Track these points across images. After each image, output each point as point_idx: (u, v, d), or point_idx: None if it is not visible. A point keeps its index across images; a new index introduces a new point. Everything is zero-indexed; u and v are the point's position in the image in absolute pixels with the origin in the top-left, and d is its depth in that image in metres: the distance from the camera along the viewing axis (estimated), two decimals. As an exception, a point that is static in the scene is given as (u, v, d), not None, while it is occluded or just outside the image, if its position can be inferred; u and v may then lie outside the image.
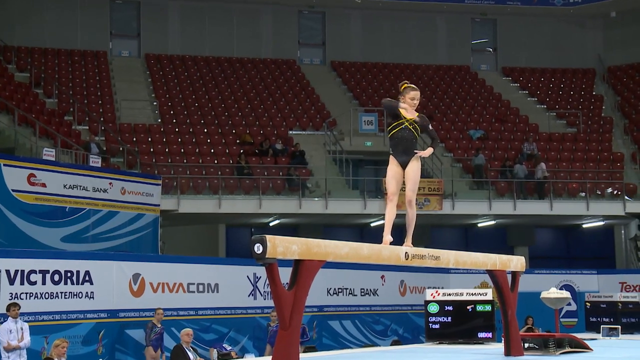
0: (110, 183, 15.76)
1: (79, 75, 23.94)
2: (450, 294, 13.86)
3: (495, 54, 29.70)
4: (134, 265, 13.10)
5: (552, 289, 14.11)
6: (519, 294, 7.55)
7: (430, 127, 6.55)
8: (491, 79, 28.28)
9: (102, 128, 20.53)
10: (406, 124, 6.41)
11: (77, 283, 12.18)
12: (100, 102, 22.66)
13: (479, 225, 22.36)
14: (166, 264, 13.85)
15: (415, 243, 6.73)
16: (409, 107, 6.50)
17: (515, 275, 7.63)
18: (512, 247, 22.38)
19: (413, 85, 6.60)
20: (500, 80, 28.53)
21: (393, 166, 6.47)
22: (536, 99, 27.39)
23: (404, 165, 6.50)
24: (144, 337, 12.82)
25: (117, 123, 21.63)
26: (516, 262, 7.62)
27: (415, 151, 6.38)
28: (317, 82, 26.41)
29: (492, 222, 21.77)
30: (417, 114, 6.50)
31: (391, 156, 6.53)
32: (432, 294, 13.92)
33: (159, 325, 12.78)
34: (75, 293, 12.16)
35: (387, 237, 6.31)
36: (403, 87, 6.60)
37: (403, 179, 6.48)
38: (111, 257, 13.15)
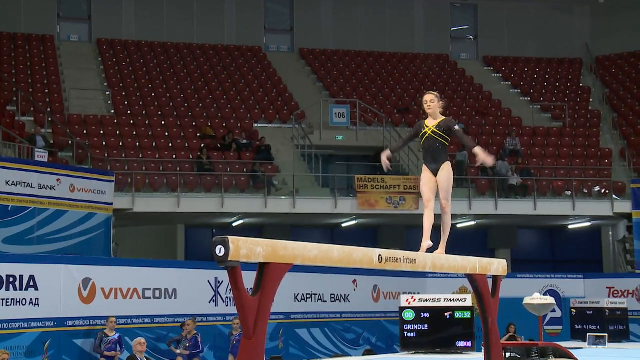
0: (58, 180, 15.60)
1: (23, 61, 23.64)
2: (426, 300, 13.94)
3: (476, 42, 29.92)
4: (83, 269, 12.99)
5: (535, 295, 14.28)
6: (501, 299, 7.60)
7: (457, 127, 6.86)
8: (472, 68, 28.48)
9: (49, 119, 20.31)
10: (429, 132, 6.86)
11: (21, 289, 12.04)
12: (47, 91, 22.40)
13: (458, 226, 22.49)
14: (119, 267, 13.76)
15: (389, 245, 6.83)
16: (431, 114, 6.90)
17: (496, 279, 7.70)
18: (493, 250, 22.57)
19: (429, 91, 7.05)
20: (482, 70, 28.74)
21: (426, 173, 7.03)
22: (519, 90, 27.65)
23: (435, 173, 7.03)
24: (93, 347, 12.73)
25: (65, 114, 21.41)
26: (497, 265, 7.68)
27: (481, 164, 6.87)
28: (284, 71, 26.38)
29: (472, 223, 21.93)
30: (442, 118, 6.88)
31: (424, 164, 7.07)
32: (407, 300, 13.99)
33: (111, 335, 12.69)
34: (18, 300, 12.02)
35: (425, 242, 6.89)
36: None
37: (436, 185, 7.05)
38: (59, 260, 13.03)
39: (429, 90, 7.20)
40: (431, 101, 6.92)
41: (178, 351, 13.48)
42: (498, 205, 20.35)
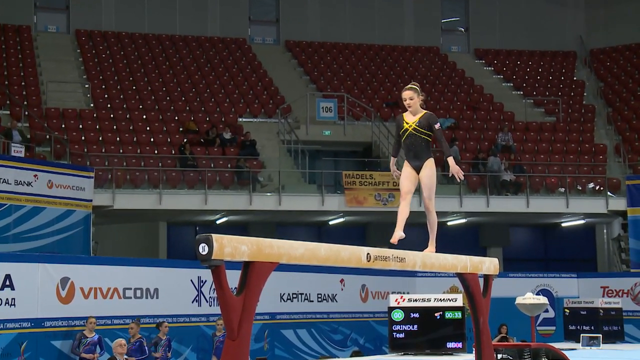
0: (35, 175, 15.54)
1: (-1, 52, 23.53)
2: (416, 300, 13.98)
3: (467, 34, 29.98)
4: (62, 268, 12.94)
5: (528, 294, 14.35)
6: (492, 299, 7.64)
7: (437, 126, 6.79)
8: (462, 61, 28.54)
9: (26, 113, 20.20)
10: (410, 130, 6.74)
11: (-3, 289, 11.99)
12: (23, 83, 22.28)
13: (449, 223, 22.57)
14: (99, 266, 13.72)
15: (378, 243, 6.82)
16: (411, 111, 6.85)
17: (487, 279, 7.72)
18: (485, 248, 22.65)
19: (407, 87, 6.94)
20: (473, 64, 28.81)
21: (407, 168, 7.06)
22: (512, 84, 27.73)
23: (417, 170, 7.07)
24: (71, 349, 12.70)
25: (42, 107, 21.31)
26: (489, 264, 7.70)
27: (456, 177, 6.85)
28: (270, 63, 26.35)
29: (463, 221, 21.99)
30: (423, 112, 6.80)
31: (405, 160, 7.08)
32: (396, 300, 14.02)
33: (90, 336, 12.66)
34: (-6, 300, 11.97)
35: (398, 232, 6.78)
36: None
37: (417, 180, 7.10)
38: (36, 259, 12.97)
39: (408, 85, 7.03)
40: (410, 98, 6.84)
41: (157, 355, 13.45)
42: (490, 202, 20.42)
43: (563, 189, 21.16)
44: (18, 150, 16.37)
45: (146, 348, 12.98)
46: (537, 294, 17.21)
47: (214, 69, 25.47)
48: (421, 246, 7.15)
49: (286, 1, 28.18)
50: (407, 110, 7.03)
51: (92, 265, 13.70)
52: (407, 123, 6.88)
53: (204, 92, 23.99)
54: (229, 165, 20.25)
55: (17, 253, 14.14)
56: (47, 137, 19.13)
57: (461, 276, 7.45)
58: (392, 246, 6.99)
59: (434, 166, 6.98)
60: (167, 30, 26.63)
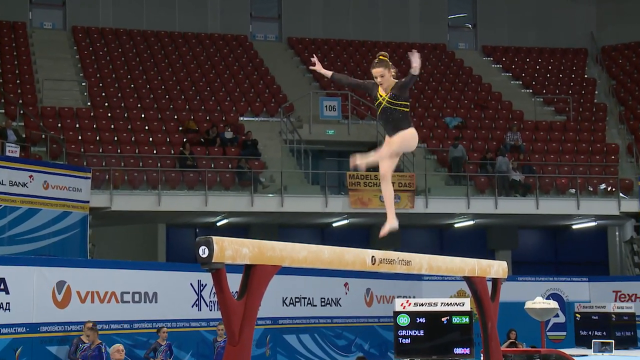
0: (30, 176, 15.55)
1: (-6, 50, 23.57)
2: (422, 304, 13.96)
3: (474, 30, 29.97)
4: (58, 272, 12.95)
5: (537, 299, 14.34)
6: (501, 304, 7.63)
7: (403, 79, 6.57)
8: (470, 59, 28.53)
9: (21, 112, 20.23)
10: (384, 104, 6.56)
11: (-9, 292, 11.99)
12: (18, 81, 22.31)
13: (456, 225, 22.56)
14: (96, 269, 13.72)
15: (384, 246, 6.79)
16: (384, 87, 6.63)
17: (496, 282, 7.71)
18: (493, 251, 22.64)
19: (376, 62, 6.67)
20: (481, 61, 28.80)
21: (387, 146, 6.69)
22: (521, 82, 27.71)
23: None
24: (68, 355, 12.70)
25: (38, 106, 21.33)
26: (497, 267, 7.70)
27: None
28: (272, 61, 26.36)
29: (471, 223, 21.98)
30: (394, 83, 6.61)
31: (386, 136, 6.73)
32: (402, 304, 14.01)
33: (87, 342, 12.66)
34: (-12, 304, 11.97)
35: (390, 224, 6.54)
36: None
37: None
38: (31, 262, 12.97)
39: (376, 60, 6.65)
40: (381, 75, 6.60)
41: None
42: (498, 203, 20.40)
43: (574, 190, 21.14)
44: (13, 150, 16.38)
45: (105, 355, 12.66)
46: (547, 298, 17.19)
47: (215, 66, 25.49)
48: (429, 249, 7.12)
49: (288, -3, 28.21)
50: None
51: (89, 268, 13.70)
52: (380, 96, 6.59)
53: (204, 91, 24.00)
54: (229, 166, 20.25)
55: (12, 256, 14.14)
56: (43, 136, 19.15)
57: (469, 280, 7.44)
58: (397, 249, 6.96)
59: (415, 133, 6.56)
60: (167, 26, 26.64)
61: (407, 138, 6.57)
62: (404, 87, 6.57)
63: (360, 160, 6.50)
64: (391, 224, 6.56)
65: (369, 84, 6.73)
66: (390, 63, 6.61)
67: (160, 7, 26.84)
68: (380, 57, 6.66)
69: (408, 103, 6.61)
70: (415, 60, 6.31)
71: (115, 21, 26.31)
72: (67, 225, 16.24)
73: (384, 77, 6.59)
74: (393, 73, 6.64)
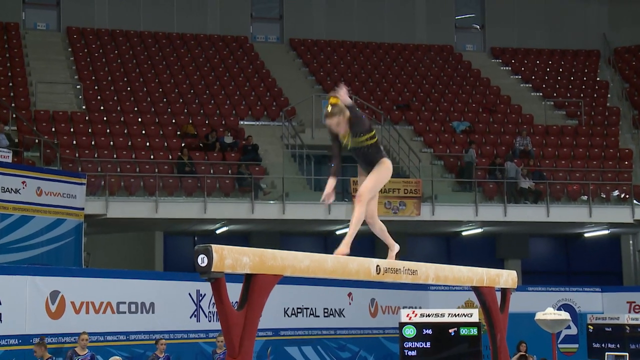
0: (23, 182, 15.55)
1: (-14, 52, 23.62)
2: (429, 315, 13.95)
3: (482, 32, 29.98)
4: (52, 281, 12.95)
5: (548, 310, 14.31)
6: (510, 315, 7.62)
7: (350, 114, 6.27)
8: (478, 61, 28.54)
9: (14, 116, 20.26)
10: (350, 145, 6.42)
11: (-18, 303, 12.00)
12: (11, 84, 22.36)
13: (464, 233, 22.54)
14: (91, 279, 13.72)
15: (388, 254, 6.79)
16: (340, 130, 6.39)
17: (505, 292, 7.71)
18: (502, 260, 22.61)
19: (327, 110, 6.38)
20: (489, 63, 28.81)
21: (361, 177, 6.65)
22: (530, 85, 27.71)
23: None
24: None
25: (31, 110, 21.37)
26: (507, 277, 7.69)
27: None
28: (273, 63, 26.38)
29: (479, 230, 21.96)
30: (348, 118, 6.30)
31: (359, 168, 6.75)
32: (408, 315, 14.00)
33: (82, 354, 12.65)
34: (-21, 315, 11.98)
35: (392, 251, 6.73)
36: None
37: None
38: (24, 271, 12.98)
39: (328, 110, 6.25)
40: (337, 124, 6.29)
41: None
42: (507, 211, 20.38)
43: (586, 197, 21.11)
44: (5, 155, 16.37)
45: None
46: (559, 309, 17.15)
47: (214, 68, 25.51)
48: (436, 258, 7.12)
49: (290, -3, 28.25)
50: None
51: (83, 277, 13.70)
52: (344, 140, 6.43)
53: (203, 94, 24.03)
54: (229, 172, 20.26)
55: (4, 265, 14.14)
56: (36, 141, 19.17)
57: (477, 290, 7.44)
58: (402, 257, 6.93)
59: (390, 166, 6.47)
60: (164, 27, 26.68)
61: (382, 178, 6.48)
62: (358, 120, 6.33)
63: (346, 250, 6.33)
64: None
65: (334, 138, 6.50)
66: (341, 104, 6.28)
67: (157, 7, 26.88)
68: (332, 102, 6.32)
69: (373, 131, 6.46)
70: (342, 95, 6.18)
71: (111, 22, 26.36)
72: (62, 233, 16.23)
73: (340, 127, 6.36)
74: (348, 114, 6.31)
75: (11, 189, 15.34)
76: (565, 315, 14.27)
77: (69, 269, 14.85)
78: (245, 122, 23.09)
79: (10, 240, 15.36)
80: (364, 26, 28.31)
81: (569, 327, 17.74)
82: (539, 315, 14.13)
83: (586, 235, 23.23)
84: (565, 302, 19.16)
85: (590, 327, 17.32)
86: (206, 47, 26.51)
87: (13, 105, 20.99)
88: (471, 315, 13.90)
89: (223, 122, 22.50)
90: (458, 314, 14.00)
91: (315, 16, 28.26)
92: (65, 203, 16.32)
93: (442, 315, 13.88)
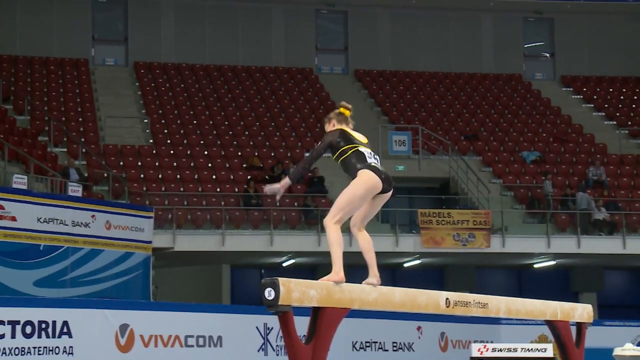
0: (92, 216, 15.84)
1: (56, 87, 24.22)
2: (501, 350, 13.76)
3: (552, 60, 29.69)
4: (121, 315, 13.11)
5: (627, 345, 13.97)
6: (586, 350, 7.49)
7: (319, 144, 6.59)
8: (548, 90, 28.25)
9: (83, 150, 20.69)
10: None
11: (53, 336, 12.20)
12: (80, 119, 22.87)
13: (536, 266, 22.22)
14: (160, 312, 13.85)
15: (459, 287, 6.77)
16: None
17: (580, 327, 7.59)
18: (577, 293, 22.20)
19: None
20: (559, 92, 28.49)
21: None
22: (603, 113, 27.30)
23: None
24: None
25: (100, 144, 21.80)
26: (582, 311, 7.57)
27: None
28: (338, 94, 26.46)
29: (552, 263, 21.63)
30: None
31: None
32: (479, 350, 13.83)
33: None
34: (50, 348, 12.18)
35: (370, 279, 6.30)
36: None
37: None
38: (94, 304, 13.17)
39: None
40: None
41: None
42: (581, 242, 20.04)
43: (663, 227, 20.67)
44: (75, 189, 16.73)
45: None
46: (638, 344, 16.75)
47: (279, 100, 25.73)
48: (507, 291, 7.05)
49: (355, 28, 28.37)
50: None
51: (152, 311, 13.84)
52: None
53: (269, 126, 24.22)
54: (295, 204, 20.34)
55: (75, 299, 14.39)
56: (105, 175, 19.54)
57: (551, 324, 7.34)
58: (472, 290, 6.89)
59: (357, 182, 6.38)
60: (229, 60, 27.04)
61: (346, 194, 6.36)
62: (322, 144, 6.65)
63: (335, 277, 6.15)
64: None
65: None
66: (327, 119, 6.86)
67: (222, 40, 27.26)
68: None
69: (338, 153, 6.58)
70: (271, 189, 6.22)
71: (177, 56, 26.82)
72: (130, 267, 16.46)
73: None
74: (331, 125, 6.94)
75: (81, 222, 15.63)
76: (644, 350, 13.92)
77: (138, 302, 15.04)
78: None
79: (81, 274, 15.62)
80: (430, 56, 28.27)
81: (648, 364, 17.28)
82: (618, 351, 13.80)
83: (664, 267, 22.69)
84: (643, 337, 18.71)
85: (670, 362, 16.85)
86: (271, 79, 26.77)
87: (83, 140, 21.44)
88: (545, 350, 13.66)
89: (289, 154, 22.63)
90: (531, 349, 13.78)
91: (381, 47, 28.34)
92: (134, 236, 16.56)
93: (515, 350, 13.67)
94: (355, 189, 6.23)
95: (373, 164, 6.27)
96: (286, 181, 6.15)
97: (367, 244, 6.48)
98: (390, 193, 6.41)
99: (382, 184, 6.26)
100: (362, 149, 6.35)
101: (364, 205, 6.36)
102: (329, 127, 6.61)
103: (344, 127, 6.51)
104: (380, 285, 6.06)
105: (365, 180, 6.26)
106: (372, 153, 6.42)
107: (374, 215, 6.51)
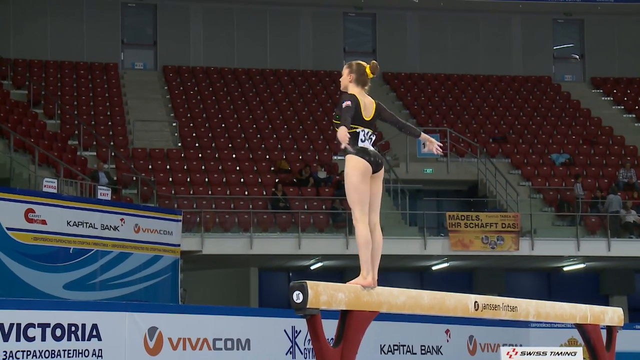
0: (121, 219, 15.93)
1: (85, 92, 24.41)
2: (530, 353, 13.65)
3: (582, 61, 29.49)
4: (149, 317, 13.17)
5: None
6: (617, 354, 7.42)
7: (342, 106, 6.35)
8: (578, 92, 28.06)
9: (112, 154, 20.84)
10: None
11: (83, 339, 12.27)
12: (110, 123, 23.04)
13: (565, 269, 22.07)
14: (188, 315, 13.90)
15: (487, 290, 6.72)
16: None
17: (611, 330, 7.52)
18: (607, 297, 22.02)
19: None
20: (589, 94, 28.29)
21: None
22: (634, 115, 27.07)
23: None
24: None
25: (129, 148, 21.95)
26: (612, 314, 7.51)
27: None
28: (366, 97, 26.47)
29: (582, 266, 21.47)
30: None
31: None
32: (508, 353, 13.72)
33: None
34: (80, 351, 12.25)
35: (367, 278, 6.12)
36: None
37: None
38: (123, 307, 13.24)
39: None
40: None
41: None
42: (611, 245, 19.88)
43: (695, 230, 20.44)
44: (104, 193, 16.83)
45: None
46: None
47: (307, 104, 25.77)
48: (536, 294, 7.00)
49: (383, 31, 28.36)
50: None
51: (180, 314, 13.88)
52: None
53: (297, 129, 24.26)
54: (323, 207, 20.35)
55: (104, 302, 14.49)
56: (134, 179, 19.66)
57: (581, 327, 7.28)
58: (501, 293, 6.84)
59: (349, 166, 6.31)
60: (257, 64, 27.13)
61: (350, 187, 6.34)
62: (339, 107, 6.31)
63: (363, 281, 5.97)
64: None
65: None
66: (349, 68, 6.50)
67: (251, 44, 27.35)
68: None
69: (338, 122, 6.27)
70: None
71: (205, 59, 26.95)
72: (158, 270, 16.53)
73: (342, 77, 6.57)
74: (350, 79, 6.54)
75: (110, 226, 15.72)
76: (675, 354, 13.79)
77: (166, 305, 15.10)
78: (339, 157, 23.18)
79: (110, 277, 15.72)
80: (458, 58, 28.19)
81: (680, 368, 17.12)
82: (647, 355, 13.69)
83: (696, 270, 22.44)
84: (675, 340, 18.50)
85: (702, 367, 16.69)
86: (299, 83, 26.81)
87: (112, 143, 21.59)
88: (575, 354, 13.55)
89: (317, 157, 22.65)
90: (561, 353, 13.67)
91: (409, 49, 28.31)
92: (162, 240, 16.63)
93: (545, 353, 13.55)
94: (350, 178, 6.27)
95: (361, 147, 6.21)
96: (343, 129, 6.03)
97: (377, 245, 6.54)
98: (382, 172, 6.44)
99: (370, 167, 6.26)
100: (359, 129, 6.25)
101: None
102: (345, 78, 6.45)
103: (360, 90, 6.36)
104: (406, 288, 6.01)
105: (354, 166, 6.26)
106: (369, 132, 6.30)
107: (379, 201, 6.44)
